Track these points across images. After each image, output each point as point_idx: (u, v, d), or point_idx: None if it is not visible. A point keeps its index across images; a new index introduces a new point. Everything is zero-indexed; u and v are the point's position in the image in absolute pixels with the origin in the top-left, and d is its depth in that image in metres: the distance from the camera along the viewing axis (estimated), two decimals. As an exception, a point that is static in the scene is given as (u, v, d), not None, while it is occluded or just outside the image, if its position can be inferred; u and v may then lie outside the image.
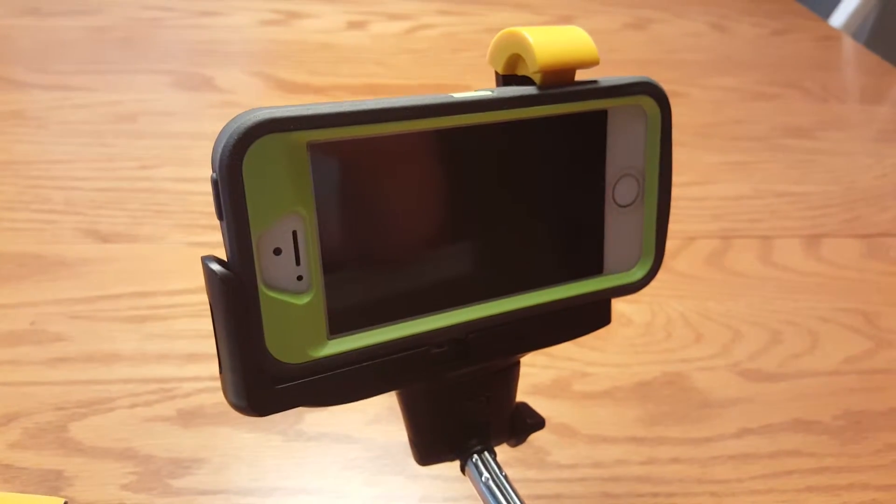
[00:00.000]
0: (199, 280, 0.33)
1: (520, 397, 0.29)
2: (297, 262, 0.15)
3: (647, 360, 0.31)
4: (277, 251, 0.14)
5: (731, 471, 0.27)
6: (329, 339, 0.15)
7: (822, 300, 0.36)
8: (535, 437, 0.27)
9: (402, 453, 0.26)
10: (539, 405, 0.29)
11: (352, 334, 0.16)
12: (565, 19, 0.65)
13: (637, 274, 0.18)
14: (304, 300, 0.15)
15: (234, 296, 0.14)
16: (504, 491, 0.19)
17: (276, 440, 0.27)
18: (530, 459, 0.27)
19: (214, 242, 0.36)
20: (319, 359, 0.15)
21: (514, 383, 0.20)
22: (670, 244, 0.39)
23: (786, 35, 0.68)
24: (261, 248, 0.14)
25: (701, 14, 0.69)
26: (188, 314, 0.32)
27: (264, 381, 0.15)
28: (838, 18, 0.79)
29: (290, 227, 0.14)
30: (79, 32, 0.54)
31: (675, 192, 0.45)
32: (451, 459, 0.20)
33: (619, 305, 0.34)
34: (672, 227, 0.41)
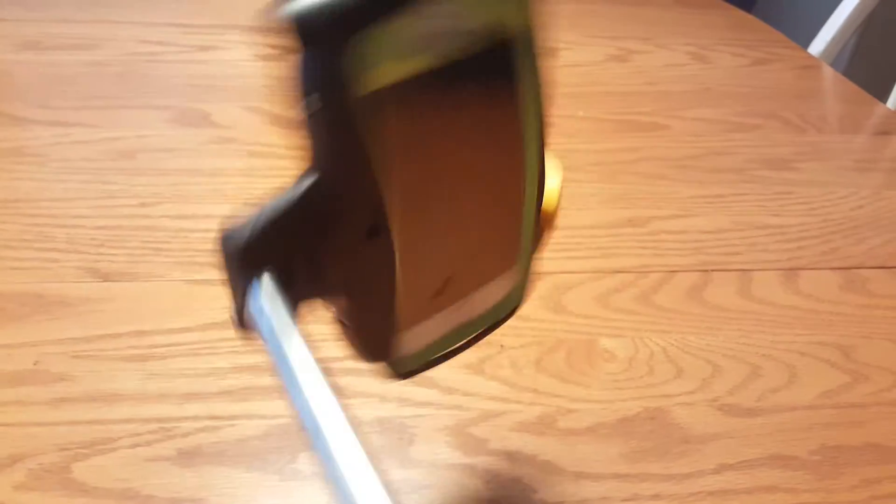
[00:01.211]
0: (197, 318, 0.35)
1: (506, 434, 0.30)
2: None
3: (630, 395, 0.33)
4: None
5: (709, 505, 0.28)
6: None
7: (800, 334, 0.38)
8: (522, 475, 0.29)
9: (396, 492, 0.27)
10: (526, 442, 0.30)
11: None
12: (549, 52, 0.67)
13: None
14: None
15: None
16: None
17: (273, 479, 0.28)
18: (517, 498, 0.28)
19: (213, 279, 0.37)
20: None
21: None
22: (652, 278, 0.40)
23: (766, 65, 0.70)
24: None
25: (682, 44, 0.71)
26: (186, 353, 0.33)
27: None
28: (817, 46, 0.81)
29: None
30: (78, 67, 0.55)
31: (656, 225, 0.47)
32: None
33: (602, 341, 0.36)
34: (654, 260, 0.43)
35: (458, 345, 0.23)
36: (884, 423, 0.33)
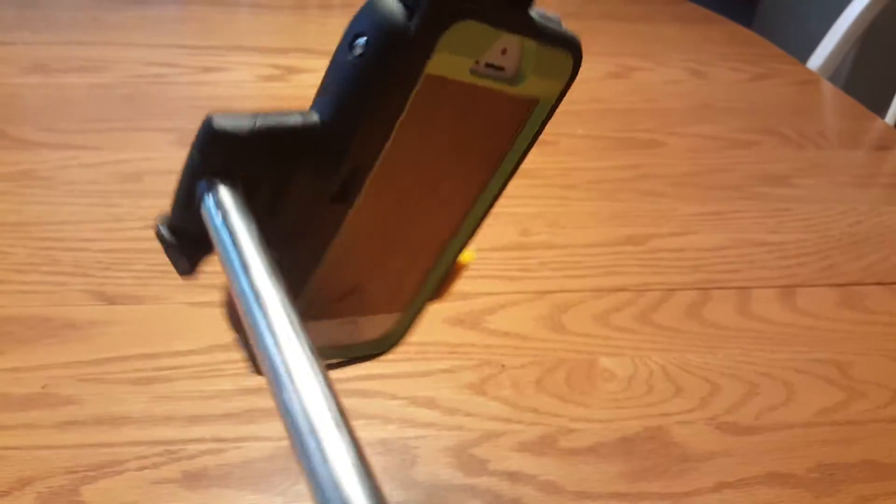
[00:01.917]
0: (203, 340, 0.35)
1: (507, 454, 0.30)
2: None
3: (630, 415, 0.33)
4: None
5: (708, 525, 0.28)
6: None
7: (797, 351, 0.38)
8: (523, 495, 0.29)
9: (397, 513, 0.28)
10: (527, 462, 0.30)
11: None
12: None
13: None
14: None
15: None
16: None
17: (277, 501, 0.28)
18: (518, 518, 0.28)
19: (217, 302, 0.38)
20: None
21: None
22: (651, 296, 0.41)
23: (764, 80, 0.71)
24: None
25: (681, 60, 0.72)
26: (192, 375, 0.33)
27: None
28: (816, 61, 0.82)
29: None
30: (85, 90, 0.56)
31: (655, 243, 0.47)
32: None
33: (602, 360, 0.36)
34: (653, 278, 0.43)
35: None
36: (880, 439, 0.33)
